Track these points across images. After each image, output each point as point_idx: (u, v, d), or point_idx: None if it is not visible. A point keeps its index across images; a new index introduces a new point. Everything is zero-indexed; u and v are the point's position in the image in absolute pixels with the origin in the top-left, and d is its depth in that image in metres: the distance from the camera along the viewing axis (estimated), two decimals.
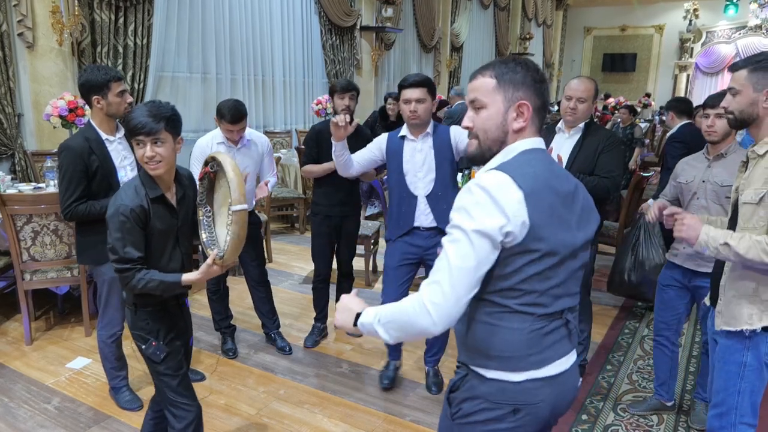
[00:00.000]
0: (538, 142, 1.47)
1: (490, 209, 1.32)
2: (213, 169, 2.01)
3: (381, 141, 3.11)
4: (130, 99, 2.82)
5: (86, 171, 2.67)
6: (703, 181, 2.61)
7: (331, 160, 3.29)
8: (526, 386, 1.43)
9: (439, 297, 1.32)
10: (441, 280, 1.33)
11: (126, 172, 2.82)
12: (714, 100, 2.64)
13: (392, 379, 3.29)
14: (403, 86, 2.91)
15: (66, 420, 2.89)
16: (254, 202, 3.53)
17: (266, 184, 3.29)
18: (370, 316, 1.41)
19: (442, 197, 2.94)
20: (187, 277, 1.98)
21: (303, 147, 3.82)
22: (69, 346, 3.66)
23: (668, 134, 5.06)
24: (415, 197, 2.98)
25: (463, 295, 1.33)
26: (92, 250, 2.78)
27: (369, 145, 3.15)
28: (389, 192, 3.15)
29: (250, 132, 3.41)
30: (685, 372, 3.40)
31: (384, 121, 5.87)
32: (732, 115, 1.97)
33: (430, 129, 2.98)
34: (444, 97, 9.65)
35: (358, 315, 1.44)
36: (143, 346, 2.08)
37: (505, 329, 1.42)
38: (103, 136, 2.77)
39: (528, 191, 1.34)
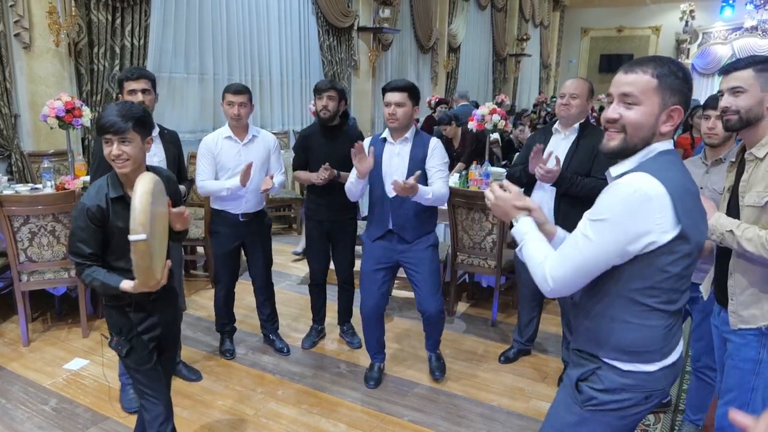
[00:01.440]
0: (670, 144, 1.51)
1: (637, 211, 1.37)
2: None
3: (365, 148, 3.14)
4: (140, 98, 2.87)
5: None
6: (701, 188, 2.49)
7: (320, 166, 3.32)
8: (659, 374, 1.53)
9: (560, 275, 1.47)
10: (567, 260, 1.47)
11: None
12: (715, 101, 2.51)
13: (377, 380, 3.32)
14: (385, 90, 2.99)
15: (64, 421, 2.88)
16: (264, 201, 3.53)
17: (271, 177, 3.26)
18: (520, 235, 1.60)
19: (405, 203, 2.96)
20: (123, 285, 2.00)
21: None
22: (66, 347, 3.65)
23: None
24: (389, 200, 3.01)
25: (582, 282, 1.48)
26: None
27: None
28: (370, 193, 3.16)
29: (257, 129, 3.43)
30: (678, 388, 3.40)
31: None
32: (737, 114, 1.92)
33: (409, 134, 3.03)
34: (441, 96, 9.66)
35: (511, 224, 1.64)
36: (108, 340, 2.15)
37: (644, 327, 1.49)
38: None
39: (675, 195, 1.39)
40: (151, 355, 2.18)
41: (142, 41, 5.43)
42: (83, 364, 3.44)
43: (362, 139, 3.52)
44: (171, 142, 3.16)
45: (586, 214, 1.47)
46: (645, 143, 1.48)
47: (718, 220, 1.94)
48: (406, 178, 2.91)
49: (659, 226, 1.38)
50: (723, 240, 1.93)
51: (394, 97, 2.93)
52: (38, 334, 3.82)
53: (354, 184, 3.04)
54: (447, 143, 6.15)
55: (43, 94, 4.71)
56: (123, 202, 2.04)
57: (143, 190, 1.85)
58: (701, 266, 2.49)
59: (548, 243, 1.58)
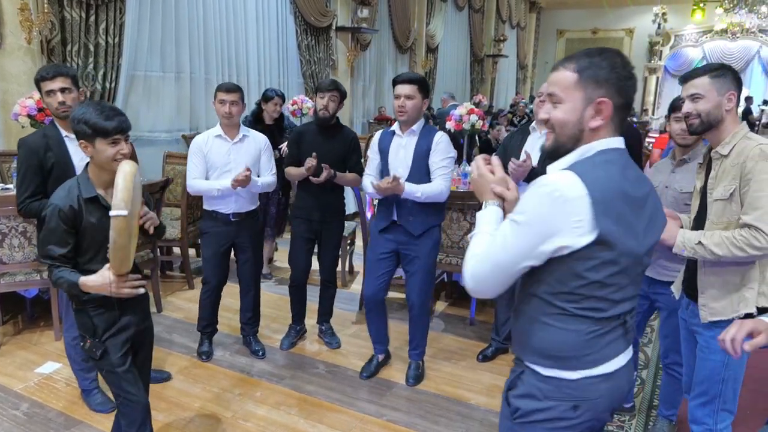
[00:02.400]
0: (617, 142, 1.41)
1: (553, 213, 1.29)
2: None
3: (374, 143, 3.24)
4: (60, 98, 2.66)
5: (41, 167, 2.67)
6: (666, 187, 2.57)
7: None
8: (583, 383, 1.43)
9: (479, 273, 1.39)
10: (486, 258, 1.38)
11: None
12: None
13: (372, 373, 3.35)
14: (395, 82, 3.02)
15: (35, 426, 2.81)
16: (257, 201, 3.48)
17: (248, 171, 3.15)
18: (479, 223, 1.48)
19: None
20: (82, 280, 1.97)
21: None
22: (38, 350, 3.57)
23: None
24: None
25: (501, 282, 1.39)
26: None
27: (369, 154, 3.25)
28: None
29: (248, 129, 3.40)
30: (652, 385, 3.45)
31: (259, 125, 4.56)
32: (698, 118, 2.04)
33: (416, 128, 3.07)
34: None
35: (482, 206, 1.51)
36: (81, 343, 2.13)
37: (562, 331, 1.41)
38: (64, 133, 2.73)
39: (598, 198, 1.29)
40: (126, 357, 2.15)
41: (116, 39, 5.33)
42: (56, 367, 3.36)
43: (357, 141, 3.57)
44: None
45: (510, 214, 1.40)
46: (575, 141, 1.40)
47: (684, 236, 2.03)
48: (411, 171, 3.00)
49: (575, 230, 1.29)
50: (695, 253, 2.01)
51: (404, 89, 2.96)
52: (9, 337, 3.73)
53: (374, 194, 3.14)
54: None
55: (15, 92, 4.59)
56: (96, 202, 2.04)
57: (127, 170, 1.86)
58: (670, 265, 2.54)
59: None
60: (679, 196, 2.53)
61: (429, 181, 3.02)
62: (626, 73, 1.38)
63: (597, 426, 1.53)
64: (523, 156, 2.92)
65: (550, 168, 1.43)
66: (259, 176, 3.38)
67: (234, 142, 3.30)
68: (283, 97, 4.83)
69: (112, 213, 1.81)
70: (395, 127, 3.14)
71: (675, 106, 2.69)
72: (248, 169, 3.16)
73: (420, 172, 3.00)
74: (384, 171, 3.12)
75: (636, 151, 3.32)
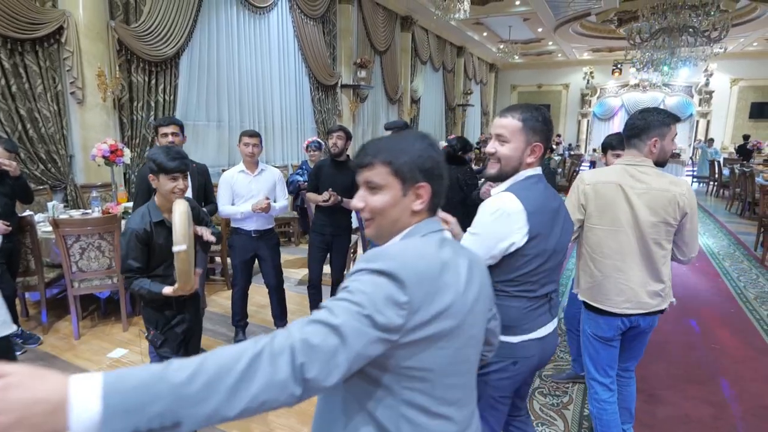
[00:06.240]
0: (538, 170, 1.53)
1: (501, 223, 1.43)
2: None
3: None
4: (170, 139, 2.92)
5: (148, 191, 2.80)
6: None
7: (326, 189, 3.33)
8: (522, 345, 1.54)
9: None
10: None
11: None
12: (616, 142, 2.53)
13: None
14: (388, 128, 3.29)
15: None
16: (273, 221, 3.46)
17: (267, 199, 3.17)
18: None
19: None
20: (165, 290, 1.98)
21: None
22: (110, 339, 3.54)
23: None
24: None
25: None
26: None
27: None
28: None
29: (265, 165, 3.39)
30: None
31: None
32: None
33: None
34: None
35: None
36: (145, 333, 2.13)
37: (507, 307, 1.51)
38: None
39: (530, 210, 1.43)
40: (180, 346, 2.15)
41: (171, 96, 5.37)
42: (123, 353, 3.33)
43: None
44: (199, 173, 3.17)
45: (470, 228, 1.50)
46: (515, 170, 1.51)
47: None
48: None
49: (517, 233, 1.43)
50: None
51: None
52: (87, 329, 3.70)
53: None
54: None
55: (93, 138, 4.60)
56: (162, 224, 2.03)
57: (181, 210, 1.85)
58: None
59: None
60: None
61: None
62: (550, 126, 1.52)
63: (529, 378, 1.69)
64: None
65: (494, 190, 1.55)
66: (276, 201, 3.38)
67: (254, 175, 3.28)
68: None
69: (174, 249, 1.79)
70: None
71: (612, 144, 2.56)
72: (267, 198, 3.18)
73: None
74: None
75: None
